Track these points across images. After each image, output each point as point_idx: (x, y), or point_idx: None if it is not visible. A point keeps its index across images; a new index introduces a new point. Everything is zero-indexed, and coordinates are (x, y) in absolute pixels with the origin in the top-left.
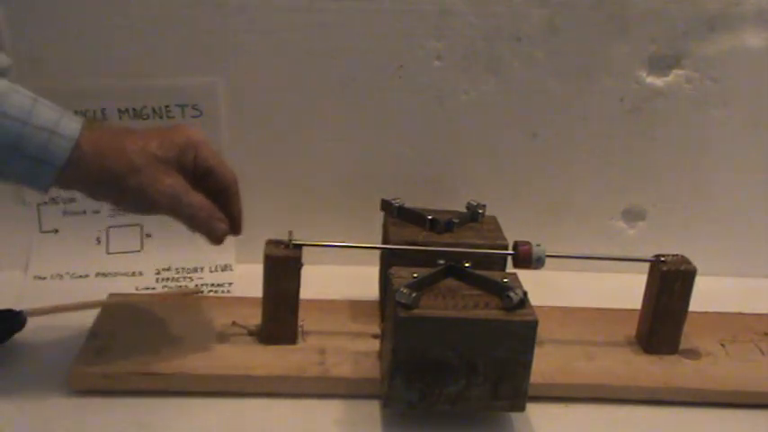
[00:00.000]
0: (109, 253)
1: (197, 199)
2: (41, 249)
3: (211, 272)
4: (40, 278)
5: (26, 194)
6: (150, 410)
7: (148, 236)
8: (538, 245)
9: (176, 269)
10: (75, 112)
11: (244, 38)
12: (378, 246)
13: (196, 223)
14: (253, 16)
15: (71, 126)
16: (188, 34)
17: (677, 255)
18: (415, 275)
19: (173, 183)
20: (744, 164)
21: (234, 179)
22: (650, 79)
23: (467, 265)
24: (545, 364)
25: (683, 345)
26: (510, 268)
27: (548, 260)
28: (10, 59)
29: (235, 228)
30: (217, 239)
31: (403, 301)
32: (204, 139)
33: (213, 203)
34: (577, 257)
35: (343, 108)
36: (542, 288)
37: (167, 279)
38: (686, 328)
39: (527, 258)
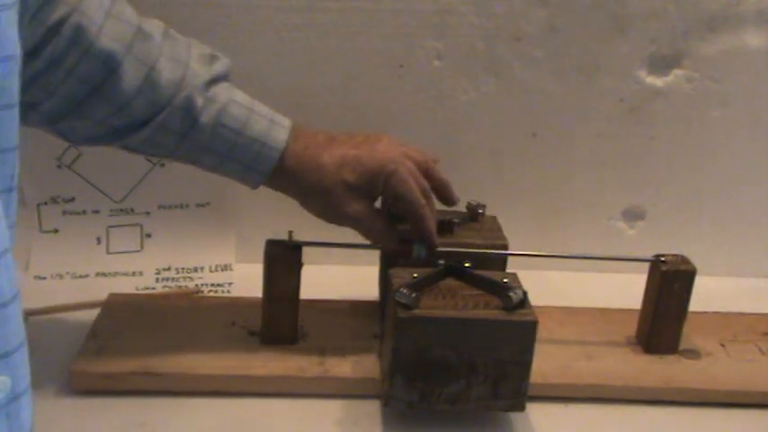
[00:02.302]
0: (109, 253)
1: (378, 225)
2: (41, 249)
3: (211, 272)
4: (40, 278)
5: (26, 194)
6: (150, 410)
7: (148, 236)
8: (418, 245)
9: (176, 269)
10: None
11: (244, 38)
12: (378, 246)
13: (378, 242)
14: (253, 16)
15: (279, 138)
16: (188, 34)
17: (677, 255)
18: (415, 275)
19: (358, 208)
20: (744, 164)
21: (420, 203)
22: (650, 79)
23: (467, 265)
24: (545, 364)
25: (683, 345)
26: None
27: (548, 260)
28: (229, 62)
29: (430, 248)
30: (392, 254)
31: (403, 301)
32: (398, 162)
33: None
34: (577, 257)
35: (343, 108)
36: (542, 288)
37: (167, 279)
38: (686, 328)
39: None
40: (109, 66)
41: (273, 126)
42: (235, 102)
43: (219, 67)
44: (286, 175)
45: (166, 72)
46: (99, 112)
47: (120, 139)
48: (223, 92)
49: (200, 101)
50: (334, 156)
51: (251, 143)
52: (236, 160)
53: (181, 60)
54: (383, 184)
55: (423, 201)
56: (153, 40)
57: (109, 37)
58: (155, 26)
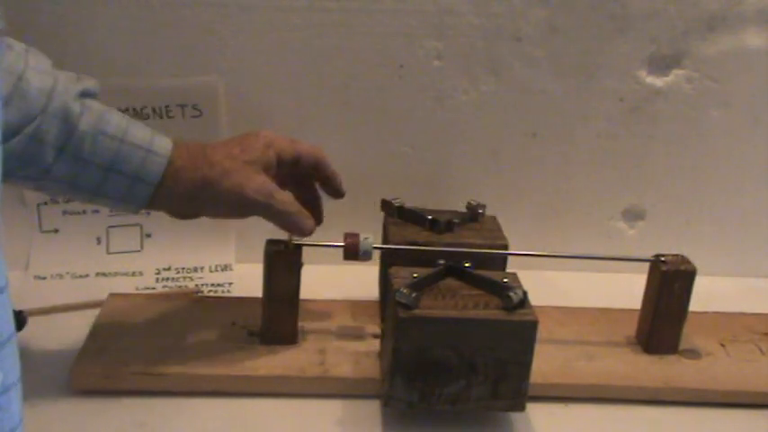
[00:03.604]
0: (109, 253)
1: (287, 196)
2: (41, 249)
3: (211, 272)
4: (40, 278)
5: (26, 194)
6: (150, 410)
7: (148, 236)
8: (366, 238)
9: (176, 269)
10: None
11: (244, 38)
12: (378, 246)
13: (288, 219)
14: (253, 16)
15: (163, 144)
16: (188, 34)
17: (677, 255)
18: (415, 275)
19: (264, 180)
20: (744, 164)
21: (321, 150)
22: (650, 79)
23: (467, 265)
24: (545, 364)
25: (683, 345)
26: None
27: (548, 260)
28: (98, 82)
29: (337, 193)
30: (305, 235)
31: (403, 301)
32: (277, 135)
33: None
34: (577, 257)
35: (343, 108)
36: (542, 288)
37: (167, 279)
38: (686, 328)
39: (354, 251)
40: None
41: (155, 133)
42: (112, 111)
43: (89, 82)
44: (180, 179)
45: (36, 82)
46: None
47: None
48: (97, 103)
49: (76, 108)
50: (219, 149)
51: (135, 150)
52: (120, 173)
53: (49, 72)
54: (275, 154)
55: (320, 148)
56: (15, 49)
57: None
58: (14, 41)
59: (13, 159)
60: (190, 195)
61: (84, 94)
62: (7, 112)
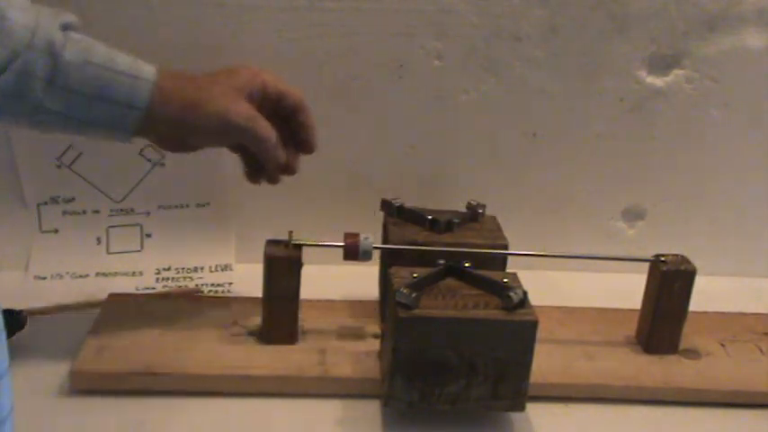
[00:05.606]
0: (109, 253)
1: (269, 124)
2: (41, 249)
3: (211, 272)
4: (40, 278)
5: (26, 194)
6: (150, 410)
7: (148, 236)
8: (366, 238)
9: (176, 269)
10: None
11: (244, 38)
12: (378, 246)
13: (268, 145)
14: (253, 16)
15: (147, 69)
16: (188, 34)
17: (677, 255)
18: (415, 275)
19: (249, 107)
20: (744, 164)
21: (303, 95)
22: (650, 79)
23: (467, 265)
24: (545, 364)
25: (683, 345)
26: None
27: (548, 260)
28: (78, 18)
29: (309, 145)
30: (277, 169)
31: (403, 301)
32: (264, 69)
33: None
34: (577, 257)
35: (343, 108)
36: (542, 288)
37: (167, 279)
38: (686, 328)
39: (354, 251)
40: None
41: (137, 60)
42: (95, 41)
43: (70, 17)
44: (167, 102)
45: (19, 18)
46: None
47: None
48: (79, 35)
49: (60, 39)
50: (206, 76)
51: (122, 77)
52: (110, 101)
53: (29, 8)
54: (262, 86)
55: (302, 93)
56: None
57: None
58: None
59: (4, 97)
60: (177, 119)
61: (66, 27)
62: None
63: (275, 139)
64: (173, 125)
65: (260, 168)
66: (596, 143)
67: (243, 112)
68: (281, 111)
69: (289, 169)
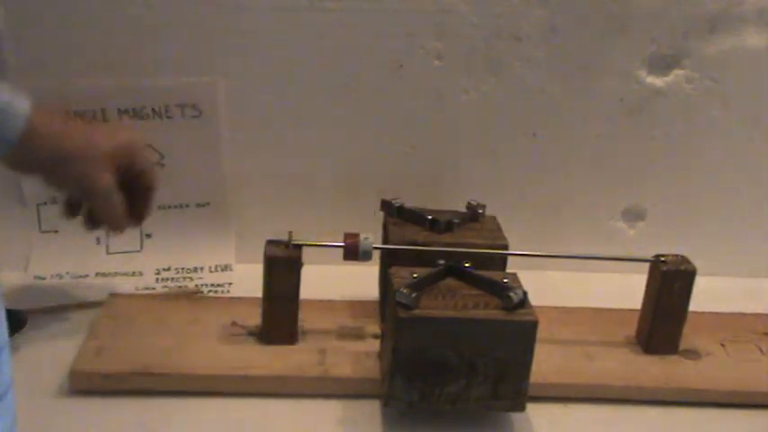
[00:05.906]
0: (109, 253)
1: (119, 199)
2: (41, 249)
3: (211, 272)
4: (40, 278)
5: (26, 194)
6: (150, 410)
7: (148, 236)
8: (366, 238)
9: (176, 269)
10: (75, 113)
11: (244, 38)
12: (378, 246)
13: (112, 219)
14: (253, 16)
15: (23, 105)
16: (188, 34)
17: (677, 255)
18: (415, 275)
19: (110, 180)
20: (744, 164)
21: (158, 179)
22: (650, 79)
23: (467, 265)
24: (545, 364)
25: (683, 345)
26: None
27: (548, 260)
28: None
29: (139, 219)
30: (117, 233)
31: (403, 301)
32: (141, 142)
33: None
34: (577, 258)
35: (343, 108)
36: (542, 288)
37: (167, 279)
38: (686, 328)
39: (354, 251)
40: None
41: (15, 94)
42: None
43: None
44: (37, 143)
45: None
46: None
47: None
48: None
49: None
50: (84, 128)
51: None
52: None
53: None
54: (132, 157)
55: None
56: None
57: None
58: None
59: None
60: (44, 163)
61: None
62: None
63: (121, 212)
64: (35, 169)
65: (77, 208)
66: (596, 143)
67: (104, 184)
68: (134, 181)
69: (138, 220)
